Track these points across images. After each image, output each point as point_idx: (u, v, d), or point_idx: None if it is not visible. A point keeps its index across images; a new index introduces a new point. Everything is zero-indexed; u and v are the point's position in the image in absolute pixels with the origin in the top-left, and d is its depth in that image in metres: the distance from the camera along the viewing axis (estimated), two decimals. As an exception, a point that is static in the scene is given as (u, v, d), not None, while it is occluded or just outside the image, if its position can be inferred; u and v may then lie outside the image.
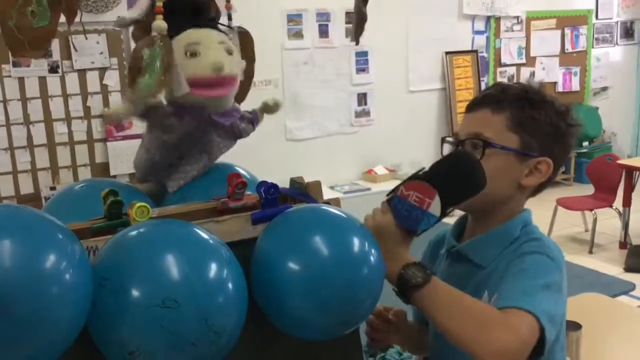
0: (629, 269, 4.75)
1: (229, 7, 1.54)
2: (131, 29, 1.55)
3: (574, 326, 1.76)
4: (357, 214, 1.14)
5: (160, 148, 1.45)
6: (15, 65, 4.73)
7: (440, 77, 6.68)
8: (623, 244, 5.17)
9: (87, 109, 5.02)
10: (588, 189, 5.68)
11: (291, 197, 1.29)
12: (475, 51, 6.82)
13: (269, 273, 1.06)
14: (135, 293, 0.89)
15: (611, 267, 4.82)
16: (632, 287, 4.44)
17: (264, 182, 1.19)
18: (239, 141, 1.55)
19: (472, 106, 1.23)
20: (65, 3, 1.30)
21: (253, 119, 1.55)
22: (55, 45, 4.79)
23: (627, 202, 5.11)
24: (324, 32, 5.97)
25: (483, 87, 6.84)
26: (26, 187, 4.91)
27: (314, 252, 1.04)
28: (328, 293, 1.03)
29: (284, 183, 1.31)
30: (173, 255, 0.93)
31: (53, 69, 4.86)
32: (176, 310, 0.88)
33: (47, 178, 4.96)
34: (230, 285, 0.96)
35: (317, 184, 1.32)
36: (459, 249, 1.26)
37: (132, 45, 4.77)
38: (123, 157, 5.05)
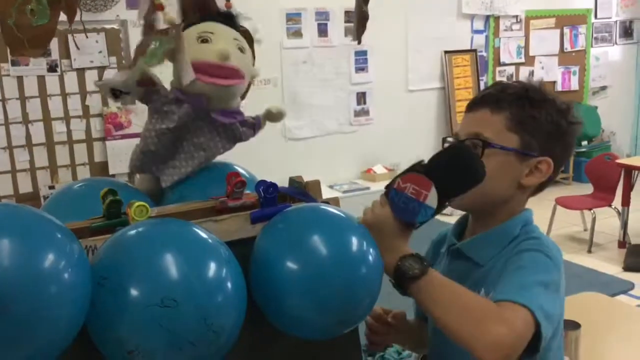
0: (627, 268, 4.75)
1: (228, 7, 1.54)
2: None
3: (573, 325, 1.76)
4: (356, 213, 1.14)
5: (158, 137, 1.44)
6: (14, 64, 4.73)
7: (440, 77, 6.68)
8: (622, 243, 5.17)
9: (86, 108, 5.02)
10: (587, 188, 5.68)
11: (290, 196, 1.29)
12: (475, 50, 6.82)
13: (268, 272, 1.06)
14: (134, 292, 0.89)
15: (610, 266, 4.82)
16: (631, 286, 4.44)
17: (263, 181, 1.19)
18: (238, 141, 1.55)
19: (472, 106, 1.23)
20: (65, 1, 1.30)
21: (255, 125, 1.56)
22: (54, 44, 4.79)
23: (626, 202, 5.11)
24: (323, 31, 5.97)
25: (482, 86, 6.84)
26: (25, 186, 4.91)
27: (313, 251, 1.04)
28: (327, 292, 1.03)
29: (283, 182, 1.31)
30: (172, 254, 0.93)
31: (52, 68, 4.86)
32: (175, 310, 0.88)
33: (46, 177, 4.96)
34: (229, 285, 0.96)
35: (316, 183, 1.32)
36: (458, 247, 1.26)
37: (132, 44, 4.73)
38: (122, 156, 5.05)
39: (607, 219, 5.50)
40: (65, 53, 4.87)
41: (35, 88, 4.83)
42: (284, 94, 5.84)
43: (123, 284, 0.89)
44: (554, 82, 7.36)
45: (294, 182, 1.33)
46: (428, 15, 6.41)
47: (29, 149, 4.88)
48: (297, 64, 5.90)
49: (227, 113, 1.47)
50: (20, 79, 4.79)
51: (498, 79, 6.99)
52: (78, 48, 4.86)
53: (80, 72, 4.96)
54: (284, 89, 5.84)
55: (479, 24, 6.86)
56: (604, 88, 7.80)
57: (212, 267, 0.95)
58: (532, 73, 7.22)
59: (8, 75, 4.74)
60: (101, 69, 5.01)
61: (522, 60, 7.17)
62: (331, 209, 1.15)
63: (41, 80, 4.85)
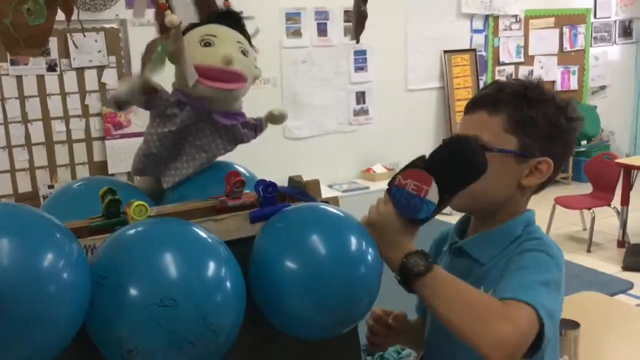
0: (627, 267, 4.75)
1: (227, 5, 1.54)
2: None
3: (572, 325, 1.76)
4: (355, 213, 1.14)
5: (160, 140, 1.45)
6: (13, 63, 4.73)
7: (439, 76, 6.68)
8: (621, 243, 5.18)
9: (85, 107, 5.01)
10: (586, 188, 5.69)
11: (289, 195, 1.29)
12: (474, 50, 6.82)
13: (267, 272, 1.05)
14: (133, 292, 0.89)
15: (609, 265, 4.82)
16: (630, 285, 4.44)
17: (262, 181, 1.19)
18: (238, 141, 1.55)
19: (470, 107, 1.22)
20: (62, 1, 1.30)
21: (256, 126, 1.56)
22: (54, 43, 4.79)
23: (625, 201, 5.11)
24: (322, 30, 5.97)
25: (482, 85, 6.84)
26: (24, 186, 4.90)
27: (312, 250, 1.04)
28: (326, 292, 1.02)
29: (282, 182, 1.31)
30: (171, 254, 0.93)
31: (51, 67, 4.86)
32: (174, 309, 0.88)
33: (45, 176, 4.95)
34: (228, 284, 0.96)
35: (316, 183, 1.32)
36: (460, 245, 1.26)
37: (131, 43, 4.75)
38: (121, 155, 5.05)
39: (606, 219, 5.51)
40: (65, 52, 4.87)
41: (34, 87, 4.83)
42: (283, 93, 5.84)
43: (122, 284, 0.89)
44: (553, 82, 7.35)
45: (294, 181, 1.33)
46: (427, 14, 6.40)
47: (28, 148, 4.88)
48: (297, 64, 5.90)
49: (228, 115, 1.47)
50: (19, 78, 4.78)
51: (497, 78, 6.98)
52: (76, 47, 4.86)
53: (80, 71, 4.95)
54: (283, 88, 5.84)
55: (478, 24, 6.86)
56: (603, 88, 7.81)
57: (212, 266, 0.95)
58: (531, 73, 7.21)
59: (7, 74, 4.73)
60: (100, 69, 5.00)
61: (522, 59, 7.17)
62: (330, 208, 1.15)
63: (40, 79, 4.84)
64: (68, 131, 4.99)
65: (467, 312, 1.00)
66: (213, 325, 0.91)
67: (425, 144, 6.57)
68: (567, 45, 7.43)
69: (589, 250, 5.14)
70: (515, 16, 7.04)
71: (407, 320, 1.41)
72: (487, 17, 6.87)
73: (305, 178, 1.33)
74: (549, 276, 1.08)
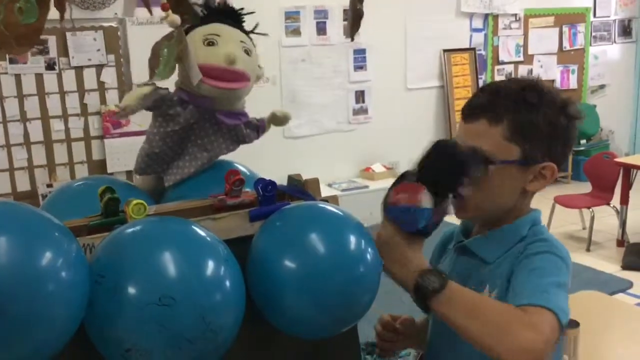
0: (626, 266, 4.75)
1: (223, 1, 1.55)
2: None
3: (572, 324, 1.76)
4: (355, 212, 1.14)
5: (162, 140, 1.45)
6: (11, 62, 4.72)
7: (438, 75, 6.67)
8: (620, 242, 5.17)
9: (84, 106, 5.01)
10: (585, 187, 5.68)
11: (289, 194, 1.28)
12: (473, 49, 6.82)
13: (266, 271, 1.05)
14: (132, 291, 0.88)
15: (608, 265, 4.82)
16: (630, 285, 4.44)
17: (261, 180, 1.19)
18: (238, 140, 1.54)
19: (468, 116, 1.18)
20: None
21: (259, 127, 1.56)
22: (52, 42, 4.78)
23: (624, 200, 5.11)
24: (321, 29, 5.96)
25: (481, 84, 6.84)
26: (23, 185, 4.89)
27: (311, 249, 1.04)
28: (325, 291, 1.02)
29: (281, 181, 1.30)
30: (170, 252, 0.92)
31: (50, 66, 4.85)
32: (173, 308, 0.88)
33: (44, 175, 4.95)
34: (227, 283, 0.95)
35: (315, 181, 1.32)
36: (466, 243, 1.26)
37: (130, 42, 4.74)
38: (120, 154, 5.04)
39: (605, 218, 5.51)
40: (64, 51, 4.86)
41: (33, 86, 4.82)
42: (282, 92, 5.84)
43: (121, 283, 0.89)
44: (553, 81, 7.34)
45: (293, 180, 1.33)
46: (427, 13, 6.40)
47: (27, 147, 4.87)
48: (296, 62, 5.89)
49: (231, 114, 1.47)
50: (18, 77, 4.77)
51: (497, 77, 6.98)
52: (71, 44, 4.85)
53: (79, 70, 4.94)
54: (282, 87, 5.83)
55: (477, 23, 6.85)
56: (602, 87, 7.80)
57: (211, 265, 0.94)
58: (530, 72, 7.21)
59: (6, 73, 4.72)
60: (99, 67, 4.99)
61: (521, 58, 7.16)
62: (329, 207, 1.15)
63: (39, 78, 4.84)
64: (67, 130, 4.98)
65: (488, 324, 0.99)
66: (212, 324, 0.91)
67: (424, 143, 6.53)
68: (566, 44, 7.42)
69: (588, 250, 5.13)
70: (515, 15, 7.03)
71: (414, 324, 1.40)
72: (486, 16, 6.86)
73: (305, 177, 1.32)
74: (561, 278, 1.08)
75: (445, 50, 6.62)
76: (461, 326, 1.02)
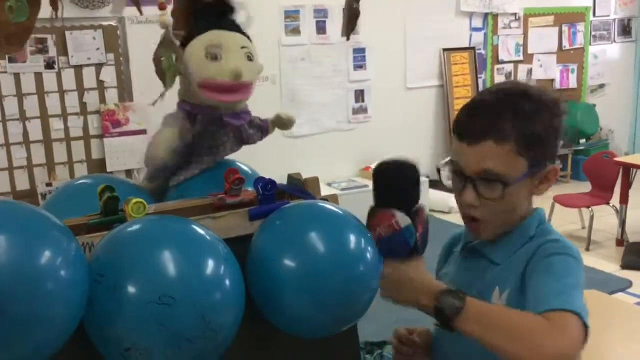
0: (625, 266, 4.75)
1: None
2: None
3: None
4: (354, 211, 1.14)
5: (176, 153, 1.46)
6: (11, 60, 4.71)
7: (438, 74, 6.66)
8: (620, 241, 5.17)
9: (83, 105, 5.00)
10: (585, 186, 5.68)
11: (289, 193, 1.28)
12: (473, 48, 6.81)
13: (265, 270, 1.05)
14: (131, 289, 0.88)
15: (608, 264, 4.82)
16: (629, 284, 4.44)
17: (261, 178, 1.19)
18: (237, 139, 1.54)
19: (473, 138, 1.14)
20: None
21: (262, 128, 1.56)
22: (52, 41, 4.77)
23: (624, 199, 5.11)
24: (321, 28, 5.95)
25: (480, 84, 6.84)
26: (22, 184, 4.89)
27: (311, 248, 1.04)
28: (325, 289, 1.02)
29: (281, 180, 1.30)
30: (170, 251, 0.92)
31: (49, 65, 4.84)
32: (173, 307, 0.88)
33: (43, 174, 4.94)
34: (227, 282, 0.95)
35: (315, 180, 1.32)
36: (474, 245, 1.26)
37: (129, 41, 4.71)
38: (119, 153, 5.03)
39: (605, 217, 5.50)
40: (63, 50, 4.85)
41: (32, 85, 4.81)
42: (282, 91, 5.83)
43: (120, 282, 0.89)
44: (552, 80, 7.35)
45: (293, 179, 1.33)
46: (426, 12, 6.39)
47: (26, 146, 4.86)
48: (296, 61, 5.89)
49: (236, 115, 1.48)
50: (17, 76, 4.77)
51: (496, 76, 6.98)
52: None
53: (78, 69, 4.94)
54: (282, 86, 5.83)
55: (477, 22, 6.85)
56: (602, 86, 7.80)
57: (210, 264, 0.94)
58: (530, 71, 7.21)
59: (5, 72, 4.71)
60: (98, 66, 4.98)
61: (521, 58, 7.16)
62: (329, 206, 1.15)
63: (38, 77, 4.83)
64: (66, 129, 4.97)
65: (516, 335, 0.99)
66: (212, 323, 0.91)
67: (424, 142, 6.57)
68: (566, 44, 7.42)
69: (587, 249, 5.13)
70: (515, 14, 7.02)
71: (430, 334, 1.38)
72: (486, 15, 6.86)
73: (304, 176, 1.32)
74: (578, 279, 1.09)
75: (444, 50, 6.61)
76: (489, 341, 1.01)
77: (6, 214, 0.86)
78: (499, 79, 6.97)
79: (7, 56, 4.64)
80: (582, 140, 7.29)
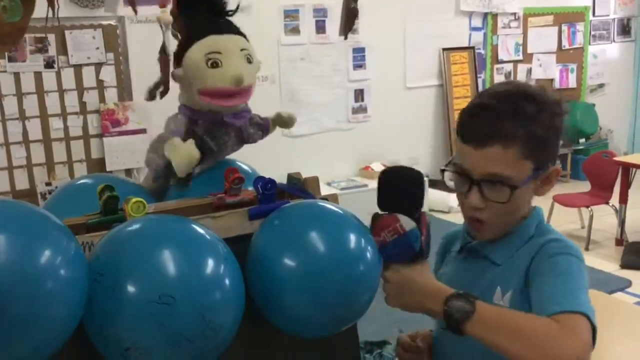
0: (625, 265, 4.75)
1: None
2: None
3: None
4: (354, 211, 1.14)
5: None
6: (10, 60, 4.71)
7: (437, 74, 6.67)
8: (619, 241, 5.18)
9: (82, 105, 5.00)
10: (584, 186, 5.68)
11: (288, 192, 1.28)
12: (472, 48, 6.82)
13: (265, 269, 1.05)
14: (131, 289, 0.88)
15: (607, 264, 4.82)
16: (628, 284, 4.44)
17: (261, 178, 1.19)
18: (237, 137, 1.54)
19: (480, 142, 1.14)
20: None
21: (263, 126, 1.56)
22: (51, 40, 4.77)
23: (623, 199, 5.11)
24: (320, 27, 5.95)
25: (480, 83, 6.84)
26: (22, 183, 4.89)
27: (311, 248, 1.04)
28: (325, 289, 1.02)
29: (281, 179, 1.30)
30: (169, 251, 0.92)
31: (49, 64, 4.84)
32: (173, 307, 0.88)
33: (43, 174, 4.94)
34: (227, 282, 0.95)
35: (315, 180, 1.31)
36: (473, 245, 1.26)
37: (129, 40, 4.71)
38: (119, 152, 5.03)
39: (604, 217, 5.50)
40: (62, 49, 4.85)
41: (32, 84, 4.82)
42: (281, 91, 5.83)
43: (120, 281, 0.89)
44: (552, 80, 7.35)
45: (293, 178, 1.32)
46: (426, 12, 6.39)
47: (26, 145, 4.86)
48: (295, 61, 5.89)
49: (237, 115, 1.48)
50: (17, 75, 4.77)
51: (496, 76, 6.99)
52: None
53: (77, 68, 4.94)
54: (281, 85, 5.83)
55: (477, 21, 6.85)
56: (601, 86, 7.80)
57: (210, 263, 0.94)
58: (530, 71, 7.21)
59: (5, 71, 4.72)
60: (98, 66, 4.99)
61: (520, 57, 7.16)
62: (329, 205, 1.15)
63: (38, 76, 4.83)
64: (66, 128, 4.97)
65: (528, 340, 0.98)
66: (212, 322, 0.91)
67: (423, 142, 6.57)
68: (565, 43, 7.42)
69: (587, 249, 5.13)
70: (514, 14, 7.03)
71: (433, 336, 1.38)
72: (485, 14, 6.86)
73: (304, 176, 1.32)
74: (583, 280, 1.10)
75: (444, 49, 6.62)
76: (500, 345, 1.00)
77: (6, 213, 0.86)
78: (499, 78, 6.98)
79: (7, 55, 4.64)
80: (582, 140, 7.29)
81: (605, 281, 4.38)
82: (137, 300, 0.88)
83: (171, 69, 1.46)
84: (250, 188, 1.24)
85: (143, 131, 4.97)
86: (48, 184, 4.90)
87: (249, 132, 1.52)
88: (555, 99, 1.19)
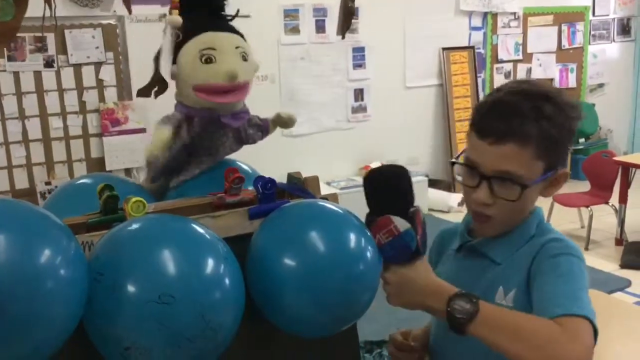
0: (624, 265, 4.75)
1: None
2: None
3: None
4: (353, 210, 1.13)
5: (172, 155, 1.45)
6: (10, 59, 4.71)
7: (437, 73, 6.67)
8: (619, 241, 5.18)
9: (82, 104, 5.00)
10: (584, 186, 5.69)
11: (288, 192, 1.28)
12: (472, 47, 6.82)
13: (265, 269, 1.05)
14: (131, 289, 0.88)
15: (607, 263, 4.82)
16: (628, 283, 4.44)
17: (261, 177, 1.18)
18: (236, 137, 1.54)
19: (496, 138, 1.13)
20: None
21: (263, 127, 1.56)
22: (51, 39, 4.77)
23: (623, 199, 5.11)
24: (320, 27, 5.95)
25: (480, 83, 6.84)
26: (21, 182, 4.89)
27: (311, 247, 1.04)
28: (325, 289, 1.02)
29: (281, 179, 1.30)
30: (169, 250, 0.92)
31: (48, 64, 4.84)
32: (173, 306, 0.87)
33: (43, 173, 4.94)
34: (227, 281, 0.95)
35: (315, 179, 1.31)
36: (474, 244, 1.26)
37: (128, 39, 4.71)
38: (119, 152, 5.03)
39: (604, 217, 5.51)
40: (62, 48, 4.85)
41: (31, 84, 4.81)
42: (281, 90, 5.83)
43: (120, 281, 0.89)
44: (552, 80, 7.35)
45: (293, 178, 1.32)
46: (426, 12, 6.39)
47: (26, 144, 4.86)
48: (295, 61, 5.89)
49: (235, 115, 1.47)
50: (16, 75, 4.77)
51: (495, 76, 6.99)
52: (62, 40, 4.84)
53: (77, 67, 4.94)
54: (281, 85, 5.83)
55: (476, 21, 6.85)
56: (601, 85, 7.81)
57: (210, 263, 0.94)
58: (529, 70, 7.21)
59: (4, 70, 4.71)
60: (98, 65, 4.98)
61: (520, 57, 7.16)
62: (329, 205, 1.15)
63: (38, 75, 4.83)
64: (65, 128, 4.97)
65: (531, 342, 0.98)
66: (212, 322, 0.91)
67: (423, 142, 6.57)
68: (565, 43, 7.42)
69: (586, 248, 5.14)
70: (514, 13, 7.03)
71: (426, 333, 1.38)
72: (485, 14, 6.86)
73: (304, 175, 1.32)
74: (584, 280, 1.10)
75: (444, 49, 6.62)
76: (501, 346, 1.00)
77: (5, 212, 0.86)
78: (499, 78, 6.98)
79: (6, 55, 4.64)
80: (582, 140, 7.29)
81: (605, 281, 4.38)
82: (137, 300, 0.88)
83: (168, 69, 1.46)
84: (250, 188, 1.24)
85: (143, 130, 4.97)
86: (48, 183, 4.90)
87: (248, 133, 1.52)
88: (572, 102, 1.18)
